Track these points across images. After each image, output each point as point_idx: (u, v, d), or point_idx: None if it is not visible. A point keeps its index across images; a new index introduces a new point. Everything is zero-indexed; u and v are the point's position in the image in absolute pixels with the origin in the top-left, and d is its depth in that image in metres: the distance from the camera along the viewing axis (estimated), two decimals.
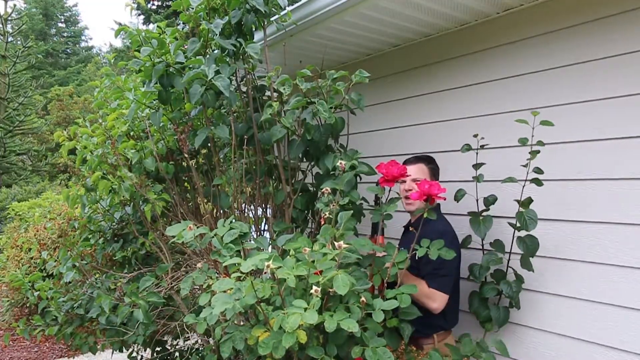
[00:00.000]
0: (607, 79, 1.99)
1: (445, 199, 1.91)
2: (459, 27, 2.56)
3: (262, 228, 2.76)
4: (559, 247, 2.12)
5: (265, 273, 1.63)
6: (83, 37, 36.15)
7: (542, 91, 2.21)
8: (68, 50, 34.43)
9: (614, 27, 1.97)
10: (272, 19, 2.54)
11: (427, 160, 2.28)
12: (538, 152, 2.03)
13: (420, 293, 2.00)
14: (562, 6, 2.13)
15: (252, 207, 2.68)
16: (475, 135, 2.28)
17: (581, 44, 2.07)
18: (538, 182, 2.04)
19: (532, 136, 2.05)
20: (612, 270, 1.96)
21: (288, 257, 1.74)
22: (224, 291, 1.66)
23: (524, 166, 2.07)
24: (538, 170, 2.04)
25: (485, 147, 2.29)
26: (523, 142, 2.05)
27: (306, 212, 2.55)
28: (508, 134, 2.30)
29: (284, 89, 2.19)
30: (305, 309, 1.51)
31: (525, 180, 2.07)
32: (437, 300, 2.02)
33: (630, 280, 1.91)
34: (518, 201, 2.06)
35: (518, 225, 2.04)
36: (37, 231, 6.04)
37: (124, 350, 2.93)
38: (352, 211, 1.92)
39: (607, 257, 1.98)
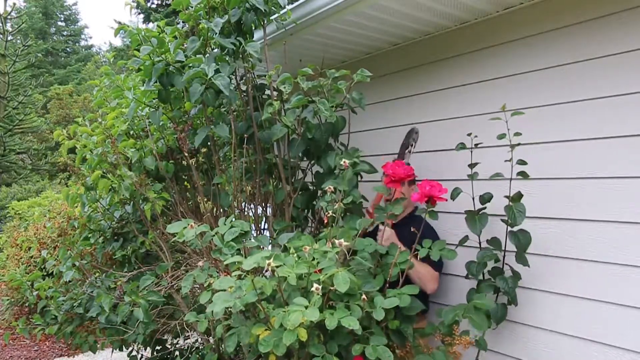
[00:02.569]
0: (607, 77, 1.99)
1: (446, 200, 1.92)
2: (459, 26, 2.55)
3: (262, 227, 2.76)
4: (557, 245, 2.12)
5: (266, 271, 1.63)
6: (83, 36, 36.14)
7: (542, 90, 2.20)
8: (68, 49, 34.39)
9: (613, 25, 1.97)
10: (271, 17, 2.54)
11: None
12: (518, 144, 2.06)
13: (428, 275, 2.20)
14: (561, 5, 2.13)
15: (252, 205, 2.68)
16: (469, 134, 2.29)
17: (581, 43, 2.07)
18: (525, 174, 2.05)
19: (508, 129, 2.08)
20: (610, 268, 1.96)
21: (289, 255, 1.74)
22: (225, 289, 1.66)
23: (507, 161, 2.08)
24: (521, 162, 2.05)
25: (478, 145, 2.28)
26: (501, 137, 2.08)
27: (306, 211, 2.55)
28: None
29: (285, 87, 2.19)
30: (307, 307, 1.52)
31: (511, 177, 2.08)
32: (437, 282, 2.25)
33: (629, 278, 1.91)
34: (507, 197, 2.07)
35: (509, 221, 2.05)
36: (37, 230, 6.04)
37: (124, 349, 2.94)
38: (359, 215, 1.94)
39: (605, 255, 1.98)
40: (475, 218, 2.13)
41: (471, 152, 2.26)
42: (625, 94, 1.93)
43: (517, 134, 2.07)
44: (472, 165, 2.24)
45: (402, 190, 2.21)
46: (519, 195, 2.05)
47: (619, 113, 1.95)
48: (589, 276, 2.03)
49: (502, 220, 2.12)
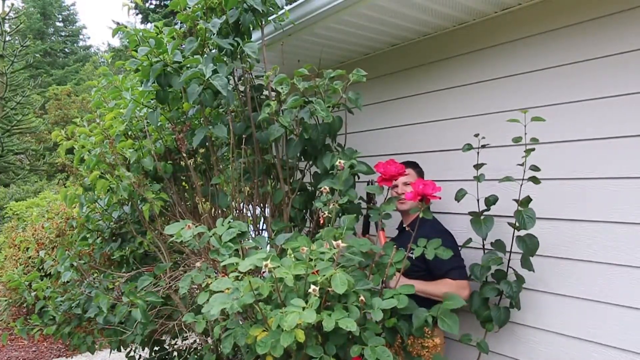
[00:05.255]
0: (605, 77, 1.99)
1: (440, 198, 1.91)
2: (457, 26, 2.56)
3: (261, 227, 2.76)
4: (557, 246, 2.13)
5: (264, 273, 1.63)
6: (81, 37, 35.99)
7: (540, 90, 2.21)
8: (66, 49, 34.27)
9: (611, 26, 1.98)
10: (270, 18, 2.54)
11: (413, 165, 2.47)
12: (533, 149, 2.02)
13: (453, 289, 2.09)
14: (559, 5, 2.14)
15: (250, 206, 2.68)
16: (477, 135, 2.27)
17: (579, 43, 2.08)
18: (535, 180, 2.02)
19: (525, 134, 2.05)
20: (611, 269, 1.97)
21: (286, 256, 1.74)
22: (222, 291, 1.66)
23: (520, 165, 2.07)
24: (535, 168, 2.04)
25: (485, 146, 2.28)
26: (517, 140, 2.04)
27: (304, 211, 2.55)
28: (507, 133, 2.30)
29: (282, 88, 2.19)
30: (304, 308, 1.51)
31: (523, 179, 2.06)
32: (467, 288, 2.14)
33: (629, 279, 1.91)
34: (517, 200, 2.06)
35: (517, 225, 2.03)
36: (35, 230, 6.03)
37: (122, 349, 2.93)
38: (355, 214, 1.93)
39: (605, 256, 1.98)
40: (481, 221, 2.11)
41: (477, 153, 2.25)
42: (623, 94, 1.94)
43: (517, 139, 2.06)
44: (478, 166, 2.22)
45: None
46: (527, 200, 2.03)
47: (617, 113, 1.96)
48: (590, 277, 2.03)
49: (509, 224, 2.11)
